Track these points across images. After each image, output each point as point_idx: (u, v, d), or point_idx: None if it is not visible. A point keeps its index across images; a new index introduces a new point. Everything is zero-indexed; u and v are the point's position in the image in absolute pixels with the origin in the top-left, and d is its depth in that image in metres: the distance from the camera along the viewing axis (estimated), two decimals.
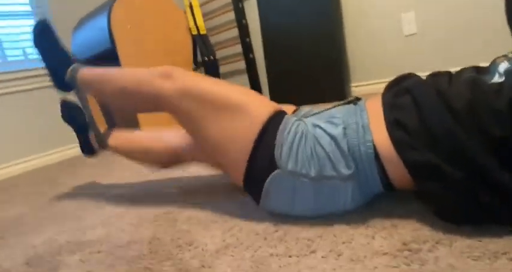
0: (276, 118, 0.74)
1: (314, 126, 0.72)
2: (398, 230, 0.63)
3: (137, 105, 0.98)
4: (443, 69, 0.73)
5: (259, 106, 0.75)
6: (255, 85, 2.79)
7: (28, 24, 2.31)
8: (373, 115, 0.69)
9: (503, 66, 0.60)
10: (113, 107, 1.09)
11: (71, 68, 1.08)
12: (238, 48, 2.82)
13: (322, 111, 0.84)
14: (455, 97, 0.59)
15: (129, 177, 1.42)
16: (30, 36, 1.14)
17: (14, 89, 2.10)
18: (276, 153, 0.69)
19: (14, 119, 2.13)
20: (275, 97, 2.59)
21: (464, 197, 0.57)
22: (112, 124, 1.38)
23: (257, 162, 0.71)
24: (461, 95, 0.58)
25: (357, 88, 2.47)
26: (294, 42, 2.46)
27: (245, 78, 2.86)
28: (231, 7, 2.73)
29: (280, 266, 0.58)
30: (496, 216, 0.56)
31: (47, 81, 2.21)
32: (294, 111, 0.89)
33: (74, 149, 2.30)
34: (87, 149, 1.24)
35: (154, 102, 0.85)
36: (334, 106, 0.83)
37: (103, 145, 1.19)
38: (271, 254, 0.62)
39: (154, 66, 0.87)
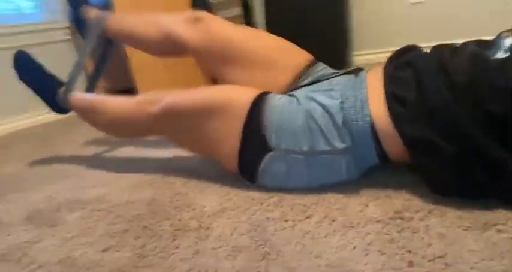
0: (259, 101, 0.72)
1: (308, 99, 0.71)
2: (392, 199, 0.64)
3: (130, 133, 1.02)
4: (448, 39, 0.72)
5: (241, 96, 0.75)
6: None
7: None
8: (373, 88, 0.68)
9: (508, 42, 0.58)
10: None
11: (60, 95, 1.07)
12: (237, 11, 2.72)
13: (322, 80, 0.83)
14: (457, 71, 0.58)
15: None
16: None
17: (7, 45, 2.03)
18: (267, 134, 0.69)
19: (5, 76, 2.08)
20: None
21: (458, 173, 0.58)
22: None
23: (249, 149, 0.72)
24: (463, 69, 0.58)
25: (359, 56, 2.42)
26: (298, 6, 2.38)
27: None
28: None
29: (276, 230, 0.60)
30: (488, 192, 0.57)
31: (42, 37, 2.16)
32: (312, 64, 0.84)
33: None
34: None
35: (146, 129, 0.90)
36: (335, 75, 0.82)
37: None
38: (268, 218, 0.64)
39: None
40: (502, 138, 0.54)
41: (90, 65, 1.45)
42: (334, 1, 2.24)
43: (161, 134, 0.90)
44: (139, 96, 0.90)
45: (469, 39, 0.68)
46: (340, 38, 2.29)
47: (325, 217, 0.62)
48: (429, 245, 0.51)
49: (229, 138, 0.73)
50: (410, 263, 0.48)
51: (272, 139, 0.69)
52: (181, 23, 0.90)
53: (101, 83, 1.64)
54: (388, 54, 0.75)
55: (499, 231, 0.51)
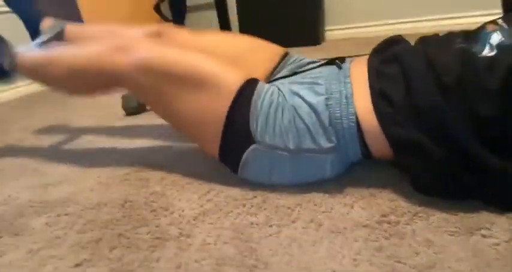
0: (247, 88, 0.68)
1: (293, 93, 0.67)
2: (377, 199, 0.64)
3: (91, 85, 0.82)
4: (422, 16, 0.70)
5: (229, 75, 0.69)
6: (224, 24, 2.61)
7: None
8: (357, 82, 0.66)
9: (495, 38, 0.57)
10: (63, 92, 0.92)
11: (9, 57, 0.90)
12: None
13: (304, 71, 0.80)
14: (445, 71, 0.57)
15: (91, 122, 1.33)
16: None
17: None
18: (252, 126, 0.65)
19: None
20: None
21: (444, 175, 0.57)
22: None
23: (232, 137, 0.67)
24: (451, 68, 0.56)
25: (331, 32, 2.38)
26: None
27: (213, 13, 2.66)
28: None
29: (261, 237, 0.58)
30: (473, 195, 0.58)
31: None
32: (283, 57, 0.87)
33: (28, 86, 2.11)
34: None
35: (111, 81, 0.75)
36: (315, 66, 0.80)
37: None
38: (252, 223, 0.62)
39: None
40: (491, 141, 0.54)
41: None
42: None
43: (129, 90, 0.79)
44: (107, 40, 0.78)
45: (453, 31, 0.67)
46: (312, 13, 2.22)
47: (311, 221, 0.60)
48: (417, 253, 0.50)
49: (210, 119, 0.68)
50: None
51: (257, 131, 0.65)
52: (142, 38, 0.86)
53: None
54: (361, 30, 0.73)
55: (484, 236, 0.52)
